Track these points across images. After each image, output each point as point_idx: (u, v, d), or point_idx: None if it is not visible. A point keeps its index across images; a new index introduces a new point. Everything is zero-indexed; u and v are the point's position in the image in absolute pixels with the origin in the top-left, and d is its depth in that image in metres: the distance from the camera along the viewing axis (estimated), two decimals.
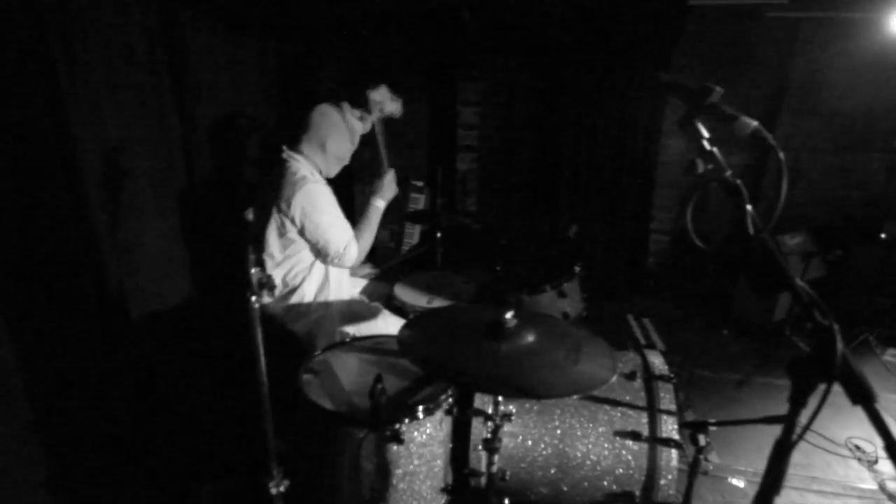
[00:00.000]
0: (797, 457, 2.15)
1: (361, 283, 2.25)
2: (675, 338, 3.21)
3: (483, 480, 1.61)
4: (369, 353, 1.58)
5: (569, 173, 3.56)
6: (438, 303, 1.99)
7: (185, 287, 2.17)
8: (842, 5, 3.04)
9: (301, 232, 1.82)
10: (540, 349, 1.20)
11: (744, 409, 2.53)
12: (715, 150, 0.77)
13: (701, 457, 1.60)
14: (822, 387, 0.71)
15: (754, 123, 0.75)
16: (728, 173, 0.77)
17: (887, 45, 2.94)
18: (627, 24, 3.14)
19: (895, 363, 2.88)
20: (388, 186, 1.99)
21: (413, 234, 3.89)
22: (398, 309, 2.03)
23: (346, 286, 2.05)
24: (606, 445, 1.51)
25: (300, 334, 1.85)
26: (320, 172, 1.93)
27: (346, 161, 1.99)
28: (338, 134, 1.89)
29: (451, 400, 1.37)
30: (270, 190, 1.84)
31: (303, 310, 1.90)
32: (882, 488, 1.95)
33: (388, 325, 1.87)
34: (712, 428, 1.60)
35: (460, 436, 1.55)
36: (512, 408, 1.58)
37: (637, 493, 1.49)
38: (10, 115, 1.42)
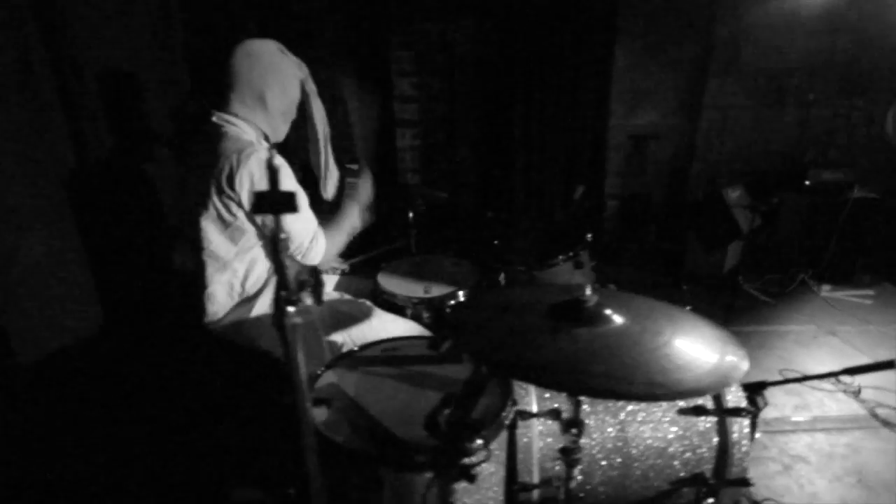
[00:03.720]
0: (795, 400, 2.19)
1: (332, 279, 1.84)
2: None
3: (536, 495, 1.36)
4: (383, 365, 1.23)
5: (520, 144, 3.37)
6: (438, 290, 1.67)
7: (88, 311, 1.62)
8: None
9: (250, 216, 1.38)
10: (640, 331, 0.95)
11: None
12: None
13: (758, 420, 1.50)
14: None
15: None
16: None
17: (799, 6, 3.15)
18: None
19: (833, 298, 3.12)
20: (362, 187, 1.64)
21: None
22: (388, 303, 1.67)
23: None
24: (672, 427, 1.33)
25: (275, 352, 1.42)
26: (267, 138, 1.49)
27: (294, 115, 1.54)
28: (277, 79, 1.42)
29: (515, 410, 1.08)
30: (201, 167, 1.36)
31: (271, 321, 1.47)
32: (874, 415, 2.02)
33: (387, 324, 1.52)
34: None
35: (510, 446, 1.27)
36: (557, 403, 1.33)
37: (708, 473, 1.33)
38: None
